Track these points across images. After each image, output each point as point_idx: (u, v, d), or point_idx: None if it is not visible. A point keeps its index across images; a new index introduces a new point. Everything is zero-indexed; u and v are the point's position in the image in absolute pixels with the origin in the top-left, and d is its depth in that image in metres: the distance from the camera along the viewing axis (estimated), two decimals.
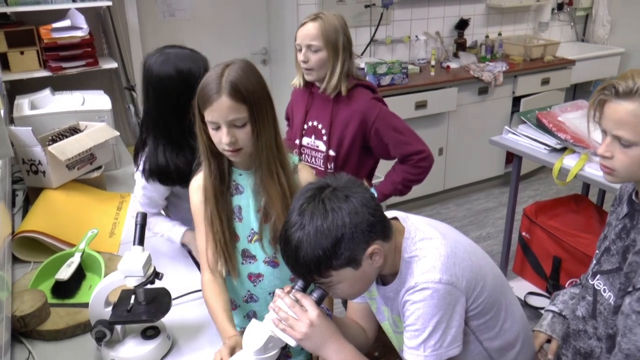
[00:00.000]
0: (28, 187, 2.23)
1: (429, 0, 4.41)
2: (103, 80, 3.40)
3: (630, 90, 1.26)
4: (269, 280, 1.64)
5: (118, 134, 2.46)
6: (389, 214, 1.38)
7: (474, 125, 4.22)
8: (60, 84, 3.02)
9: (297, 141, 2.22)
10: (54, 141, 2.26)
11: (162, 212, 2.00)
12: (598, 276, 1.47)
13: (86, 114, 2.49)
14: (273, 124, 1.47)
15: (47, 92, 2.71)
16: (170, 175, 1.80)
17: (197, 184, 1.58)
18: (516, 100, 4.36)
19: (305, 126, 2.20)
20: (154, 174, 1.82)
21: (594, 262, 1.51)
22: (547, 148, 2.68)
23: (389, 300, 1.38)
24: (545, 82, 4.42)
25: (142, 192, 1.89)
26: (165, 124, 1.77)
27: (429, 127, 3.99)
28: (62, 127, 2.39)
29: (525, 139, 2.77)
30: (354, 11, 4.16)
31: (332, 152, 2.15)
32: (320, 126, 2.16)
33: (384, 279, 1.38)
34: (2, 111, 1.92)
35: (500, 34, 4.76)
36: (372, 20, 4.17)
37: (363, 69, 3.83)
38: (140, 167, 1.84)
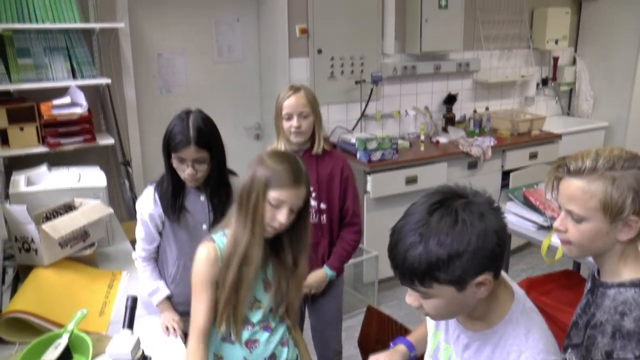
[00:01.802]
0: (19, 264, 2.22)
1: (417, 76, 4.56)
2: (99, 155, 3.46)
3: (580, 169, 1.34)
4: (264, 346, 1.69)
5: (112, 211, 2.48)
6: None
7: None
8: (57, 159, 3.07)
9: None
10: (48, 218, 2.27)
11: (155, 259, 2.20)
12: (569, 350, 1.50)
13: (81, 191, 2.52)
14: None
15: (43, 168, 2.75)
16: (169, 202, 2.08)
17: (208, 255, 1.63)
18: (505, 174, 4.42)
19: None
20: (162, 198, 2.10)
21: (566, 336, 1.55)
22: (535, 225, 2.71)
23: (459, 344, 1.34)
24: (534, 156, 4.51)
25: (141, 227, 2.13)
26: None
27: None
28: (57, 204, 2.40)
29: (514, 216, 2.81)
30: (345, 87, 4.29)
31: (323, 205, 2.38)
32: None
33: (466, 321, 1.33)
34: None
35: (487, 109, 4.90)
36: (362, 96, 4.30)
37: (354, 144, 3.91)
38: (156, 197, 2.11)
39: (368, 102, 4.30)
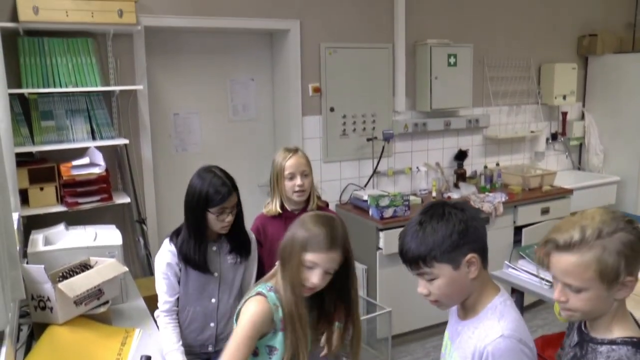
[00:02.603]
0: (33, 322, 2.25)
1: (428, 133, 4.60)
2: (116, 213, 3.50)
3: (569, 244, 1.35)
4: None
5: (127, 269, 2.51)
6: None
7: None
8: (74, 218, 3.11)
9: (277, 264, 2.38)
10: (64, 277, 2.30)
11: (177, 312, 2.28)
12: None
13: (97, 249, 2.56)
14: None
15: (61, 227, 2.80)
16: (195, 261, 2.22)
17: (263, 310, 1.69)
18: (517, 230, 4.38)
19: None
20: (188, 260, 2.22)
21: None
22: (547, 284, 2.69)
23: (455, 336, 1.56)
24: (545, 211, 4.48)
25: (162, 280, 2.24)
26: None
27: None
28: (73, 263, 2.44)
29: (526, 274, 2.79)
30: (357, 144, 4.34)
31: None
32: None
33: (462, 314, 1.58)
34: (17, 252, 1.99)
35: (498, 164, 4.91)
36: (374, 153, 4.34)
37: (366, 201, 3.93)
38: (172, 248, 2.24)
39: (380, 158, 4.34)
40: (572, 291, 1.38)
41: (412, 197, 4.14)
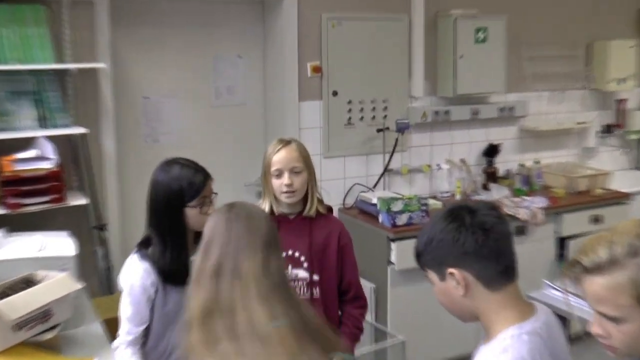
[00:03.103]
0: None
1: (451, 123, 4.58)
2: (69, 218, 3.48)
3: (597, 265, 1.36)
4: None
5: (82, 286, 2.50)
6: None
7: None
8: (18, 223, 3.09)
9: None
10: (3, 295, 2.28)
11: (142, 345, 2.26)
12: None
13: (46, 261, 2.54)
14: None
15: (0, 233, 2.78)
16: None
17: None
18: (561, 242, 4.36)
19: None
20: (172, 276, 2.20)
21: None
22: None
23: None
24: (596, 220, 4.42)
25: (129, 305, 2.20)
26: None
27: None
28: (14, 278, 2.41)
29: (572, 297, 2.71)
30: (365, 136, 4.33)
31: (316, 277, 2.45)
32: (297, 254, 2.45)
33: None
34: None
35: (537, 162, 4.87)
36: (385, 147, 4.32)
37: (375, 205, 3.91)
38: (144, 265, 2.21)
39: (392, 154, 4.32)
40: (610, 322, 1.37)
41: (431, 201, 4.11)
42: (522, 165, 4.78)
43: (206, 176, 2.26)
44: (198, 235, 2.13)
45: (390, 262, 3.83)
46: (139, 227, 3.71)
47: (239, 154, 4.23)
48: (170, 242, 2.22)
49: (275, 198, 2.45)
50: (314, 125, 4.18)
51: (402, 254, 3.79)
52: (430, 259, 1.61)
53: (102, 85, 3.57)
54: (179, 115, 4.02)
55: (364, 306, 2.58)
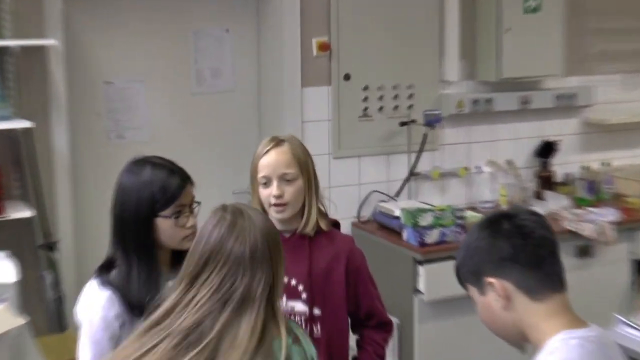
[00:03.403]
0: None
1: (494, 115, 4.56)
2: (9, 234, 3.48)
3: None
4: None
5: (24, 321, 2.51)
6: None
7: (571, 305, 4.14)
8: None
9: None
10: None
11: None
12: None
13: None
14: None
15: None
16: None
17: None
18: (638, 266, 4.33)
19: None
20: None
21: None
22: None
23: None
24: None
25: (88, 345, 2.17)
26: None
27: None
28: None
29: None
30: (385, 131, 4.31)
31: (317, 311, 2.46)
32: (294, 282, 2.45)
33: None
34: None
35: (606, 164, 4.85)
36: (410, 145, 4.30)
37: (398, 218, 3.89)
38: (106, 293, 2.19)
39: (420, 153, 4.31)
40: None
41: (468, 213, 4.10)
42: (586, 168, 4.76)
43: (184, 179, 2.25)
44: (175, 254, 2.27)
45: (417, 291, 3.83)
46: (99, 245, 3.67)
47: (227, 153, 4.22)
48: (138, 263, 2.20)
49: (265, 211, 2.43)
50: (321, 117, 4.17)
51: (432, 280, 3.77)
52: (467, 271, 1.81)
53: (52, 67, 3.57)
54: (150, 105, 4.02)
55: (388, 331, 2.63)
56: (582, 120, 4.88)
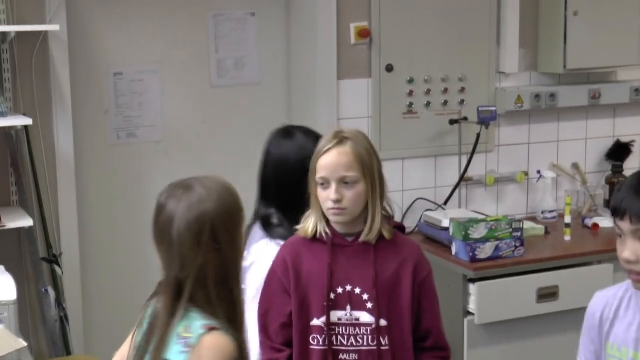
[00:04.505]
0: None
1: (559, 111, 4.54)
2: (7, 247, 3.49)
3: None
4: None
5: (24, 344, 2.54)
6: None
7: None
8: None
9: (318, 320, 2.54)
10: None
11: None
12: None
13: None
14: None
15: None
16: None
17: None
18: None
19: (332, 295, 2.52)
20: None
21: None
22: None
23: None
24: None
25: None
26: None
27: (564, 332, 3.85)
28: None
29: None
30: (433, 130, 4.30)
31: (383, 322, 2.51)
32: (359, 290, 2.52)
33: None
34: None
35: None
36: (461, 147, 4.28)
37: (447, 229, 3.88)
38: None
39: (472, 155, 4.29)
40: None
41: (527, 224, 4.07)
42: None
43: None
44: None
45: (468, 313, 3.82)
46: (106, 258, 3.69)
47: (252, 155, 4.16)
48: (297, 217, 2.59)
49: (323, 214, 2.53)
50: (360, 114, 4.16)
51: (485, 300, 3.77)
52: None
53: (53, 56, 3.59)
54: (165, 99, 4.02)
55: (446, 357, 2.66)
56: None
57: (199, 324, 1.95)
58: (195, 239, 1.95)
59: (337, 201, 2.44)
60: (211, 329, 1.95)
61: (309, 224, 2.54)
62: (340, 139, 2.48)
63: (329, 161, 2.46)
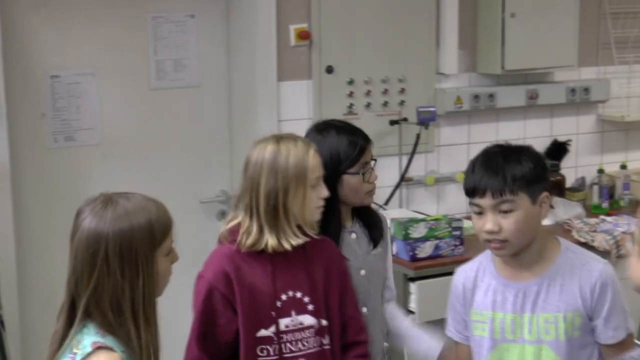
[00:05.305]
0: None
1: (497, 112, 4.59)
2: None
3: None
4: None
5: None
6: None
7: None
8: None
9: (267, 331, 2.53)
10: None
11: None
12: None
13: None
14: None
15: None
16: None
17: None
18: None
19: (278, 303, 2.54)
20: None
21: None
22: None
23: (527, 302, 2.46)
24: None
25: None
26: None
27: None
28: None
29: None
30: (372, 130, 4.10)
31: (324, 322, 2.60)
32: (299, 294, 2.58)
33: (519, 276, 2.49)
34: None
35: (624, 166, 4.86)
36: (402, 147, 4.32)
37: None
38: None
39: (412, 156, 4.32)
40: None
41: (466, 223, 4.02)
42: (601, 172, 4.77)
43: (366, 138, 2.81)
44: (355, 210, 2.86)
45: (409, 312, 3.80)
46: (52, 279, 3.63)
47: (192, 157, 4.20)
48: (325, 217, 2.64)
49: (303, 219, 2.53)
50: (300, 115, 4.16)
51: (425, 299, 3.80)
52: (530, 183, 2.36)
53: None
54: (103, 102, 3.99)
55: (365, 355, 2.70)
56: (597, 117, 4.91)
57: (89, 341, 1.92)
58: (92, 258, 1.90)
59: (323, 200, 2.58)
60: (99, 348, 1.91)
61: (260, 240, 2.48)
62: (307, 142, 2.60)
63: (318, 162, 2.57)
